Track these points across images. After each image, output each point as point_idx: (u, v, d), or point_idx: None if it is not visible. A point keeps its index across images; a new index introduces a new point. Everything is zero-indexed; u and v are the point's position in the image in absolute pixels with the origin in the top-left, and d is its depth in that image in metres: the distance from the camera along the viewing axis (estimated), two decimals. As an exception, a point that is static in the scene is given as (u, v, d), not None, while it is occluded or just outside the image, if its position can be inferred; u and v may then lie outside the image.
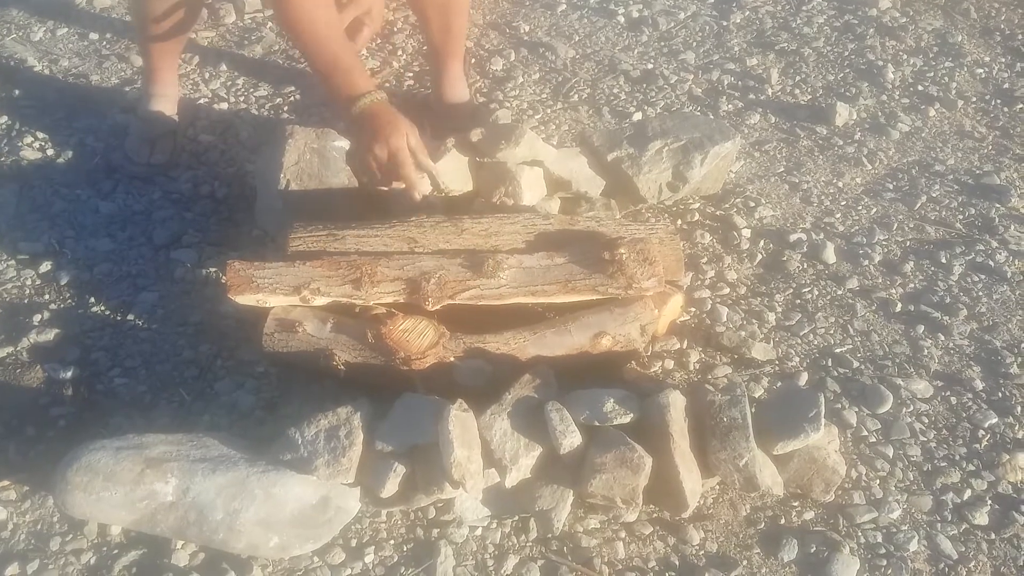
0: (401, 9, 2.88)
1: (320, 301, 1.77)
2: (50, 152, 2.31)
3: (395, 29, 2.82)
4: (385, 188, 2.00)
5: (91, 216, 2.14)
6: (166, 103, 2.34)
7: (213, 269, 2.01)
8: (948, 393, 1.85)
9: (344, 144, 2.15)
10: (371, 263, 1.79)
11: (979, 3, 3.04)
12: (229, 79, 2.59)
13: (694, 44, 2.83)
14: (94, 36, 2.73)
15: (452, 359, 1.72)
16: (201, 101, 2.50)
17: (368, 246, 1.87)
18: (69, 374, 1.77)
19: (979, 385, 1.86)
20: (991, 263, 2.14)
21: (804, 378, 1.85)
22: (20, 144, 2.31)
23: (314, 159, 2.08)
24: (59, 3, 2.85)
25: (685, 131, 2.24)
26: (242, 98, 2.52)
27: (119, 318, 1.90)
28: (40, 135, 2.35)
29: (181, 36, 2.31)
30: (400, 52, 2.73)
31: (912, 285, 2.08)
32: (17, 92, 2.49)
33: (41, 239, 2.06)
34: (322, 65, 1.89)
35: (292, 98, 2.54)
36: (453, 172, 2.10)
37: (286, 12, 1.84)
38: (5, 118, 2.40)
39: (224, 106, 2.49)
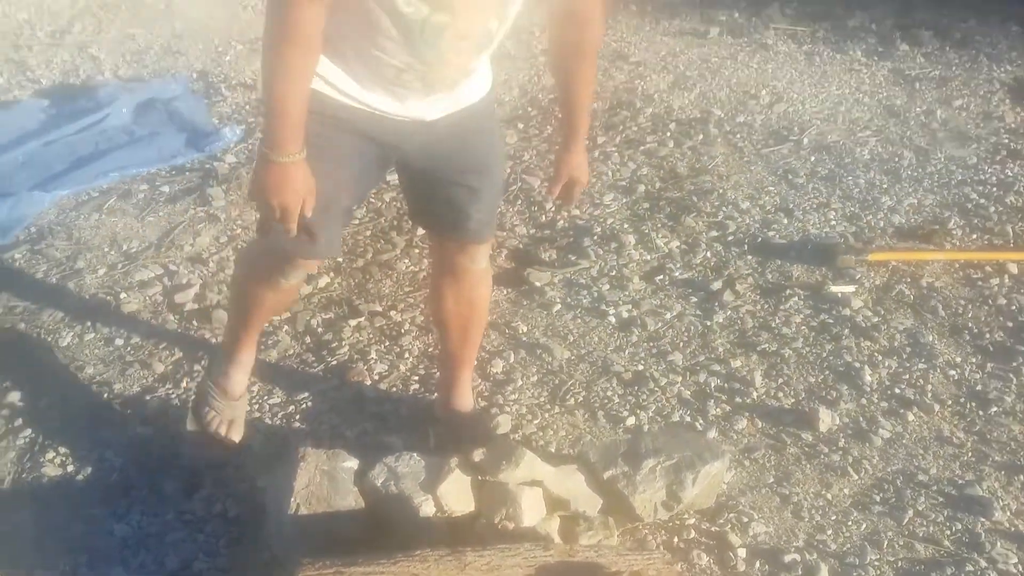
0: (408, 310, 3.10)
1: (326, 647, 1.81)
2: (70, 468, 2.41)
3: (402, 331, 3.01)
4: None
5: (105, 539, 2.20)
6: (242, 373, 2.51)
7: (220, 601, 2.06)
8: None
9: (352, 464, 2.27)
10: (376, 605, 1.84)
11: (946, 300, 3.26)
12: (245, 386, 2.74)
13: (681, 344, 3.02)
14: (119, 342, 2.91)
15: None
16: (217, 410, 2.63)
17: (374, 583, 1.93)
18: None
19: None
20: (981, 585, 2.19)
21: None
22: (42, 460, 2.41)
23: (324, 481, 2.19)
24: (88, 307, 3.06)
25: (676, 449, 2.36)
26: (256, 406, 2.66)
27: (126, 661, 1.93)
28: (62, 450, 2.46)
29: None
30: (407, 355, 2.91)
31: (906, 611, 2.12)
32: (42, 403, 2.63)
33: (57, 566, 2.12)
34: (270, 108, 1.86)
35: (304, 405, 2.68)
36: (456, 493, 2.20)
37: (276, 54, 1.80)
38: (30, 431, 2.52)
39: (239, 416, 2.62)
